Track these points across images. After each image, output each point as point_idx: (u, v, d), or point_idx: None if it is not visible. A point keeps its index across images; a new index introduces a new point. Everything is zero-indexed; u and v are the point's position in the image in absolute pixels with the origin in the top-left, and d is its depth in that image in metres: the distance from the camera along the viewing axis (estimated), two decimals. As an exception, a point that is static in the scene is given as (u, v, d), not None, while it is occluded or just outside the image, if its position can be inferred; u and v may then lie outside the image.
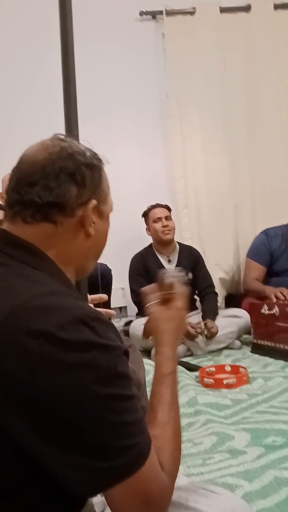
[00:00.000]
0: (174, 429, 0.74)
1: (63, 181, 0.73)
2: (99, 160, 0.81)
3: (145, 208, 3.15)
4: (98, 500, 0.73)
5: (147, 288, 0.92)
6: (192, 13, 3.57)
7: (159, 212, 3.05)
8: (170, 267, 3.03)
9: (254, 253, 3.25)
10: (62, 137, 0.80)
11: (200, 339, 2.77)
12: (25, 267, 0.69)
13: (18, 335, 0.58)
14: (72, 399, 0.58)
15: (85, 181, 0.76)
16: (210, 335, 2.75)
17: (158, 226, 3.03)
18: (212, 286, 3.13)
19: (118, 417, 0.60)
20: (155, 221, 3.04)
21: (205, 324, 2.76)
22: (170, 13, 3.56)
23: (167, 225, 3.02)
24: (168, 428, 0.73)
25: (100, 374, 0.59)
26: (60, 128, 1.83)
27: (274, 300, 2.76)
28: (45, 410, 0.57)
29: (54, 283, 0.69)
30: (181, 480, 0.93)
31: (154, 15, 3.62)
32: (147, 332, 0.89)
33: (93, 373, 0.59)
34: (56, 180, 0.73)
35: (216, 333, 2.77)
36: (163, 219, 3.03)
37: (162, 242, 3.05)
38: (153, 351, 1.90)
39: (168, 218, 3.06)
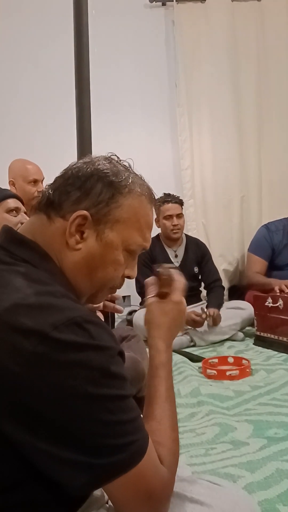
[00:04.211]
0: (170, 422, 0.74)
1: (70, 184, 0.76)
2: (126, 186, 0.77)
3: (156, 196, 3.12)
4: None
5: (149, 280, 0.92)
6: (202, 0, 3.52)
7: (171, 209, 2.98)
8: (175, 260, 3.03)
9: (255, 247, 3.23)
10: (108, 156, 0.81)
11: (203, 329, 2.78)
12: (26, 266, 0.70)
13: (12, 332, 0.58)
14: (65, 398, 0.58)
15: (91, 192, 0.75)
16: (213, 321, 2.76)
17: (168, 223, 2.99)
18: (219, 280, 3.12)
19: (113, 417, 0.60)
20: (165, 218, 2.98)
21: (209, 313, 2.77)
22: (180, 0, 3.50)
23: (177, 224, 2.98)
24: (165, 422, 0.73)
25: (93, 375, 0.59)
26: (71, 115, 1.82)
27: (278, 292, 2.76)
28: (37, 409, 0.57)
29: (53, 283, 0.68)
30: (183, 470, 0.93)
31: (164, 2, 3.57)
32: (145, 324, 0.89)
33: (86, 373, 0.59)
34: (66, 181, 0.76)
35: (219, 319, 2.77)
36: (174, 218, 2.97)
37: (169, 238, 3.05)
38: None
39: (179, 216, 3.00)
